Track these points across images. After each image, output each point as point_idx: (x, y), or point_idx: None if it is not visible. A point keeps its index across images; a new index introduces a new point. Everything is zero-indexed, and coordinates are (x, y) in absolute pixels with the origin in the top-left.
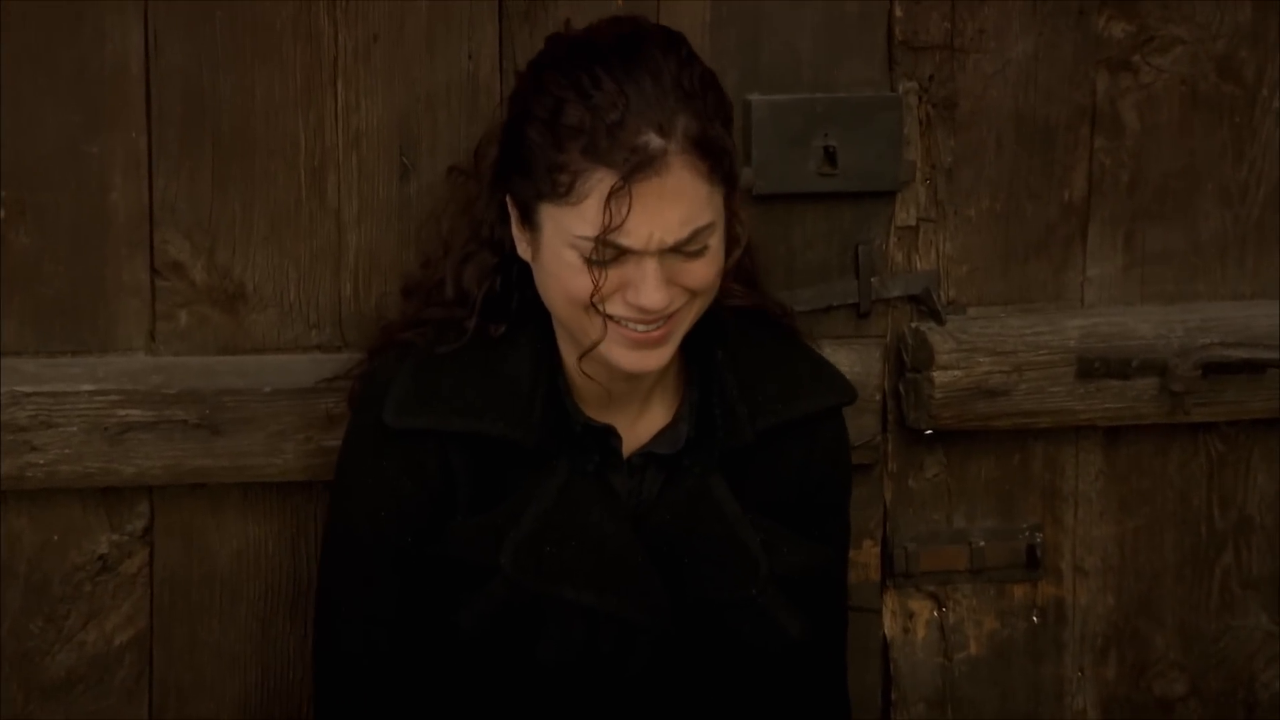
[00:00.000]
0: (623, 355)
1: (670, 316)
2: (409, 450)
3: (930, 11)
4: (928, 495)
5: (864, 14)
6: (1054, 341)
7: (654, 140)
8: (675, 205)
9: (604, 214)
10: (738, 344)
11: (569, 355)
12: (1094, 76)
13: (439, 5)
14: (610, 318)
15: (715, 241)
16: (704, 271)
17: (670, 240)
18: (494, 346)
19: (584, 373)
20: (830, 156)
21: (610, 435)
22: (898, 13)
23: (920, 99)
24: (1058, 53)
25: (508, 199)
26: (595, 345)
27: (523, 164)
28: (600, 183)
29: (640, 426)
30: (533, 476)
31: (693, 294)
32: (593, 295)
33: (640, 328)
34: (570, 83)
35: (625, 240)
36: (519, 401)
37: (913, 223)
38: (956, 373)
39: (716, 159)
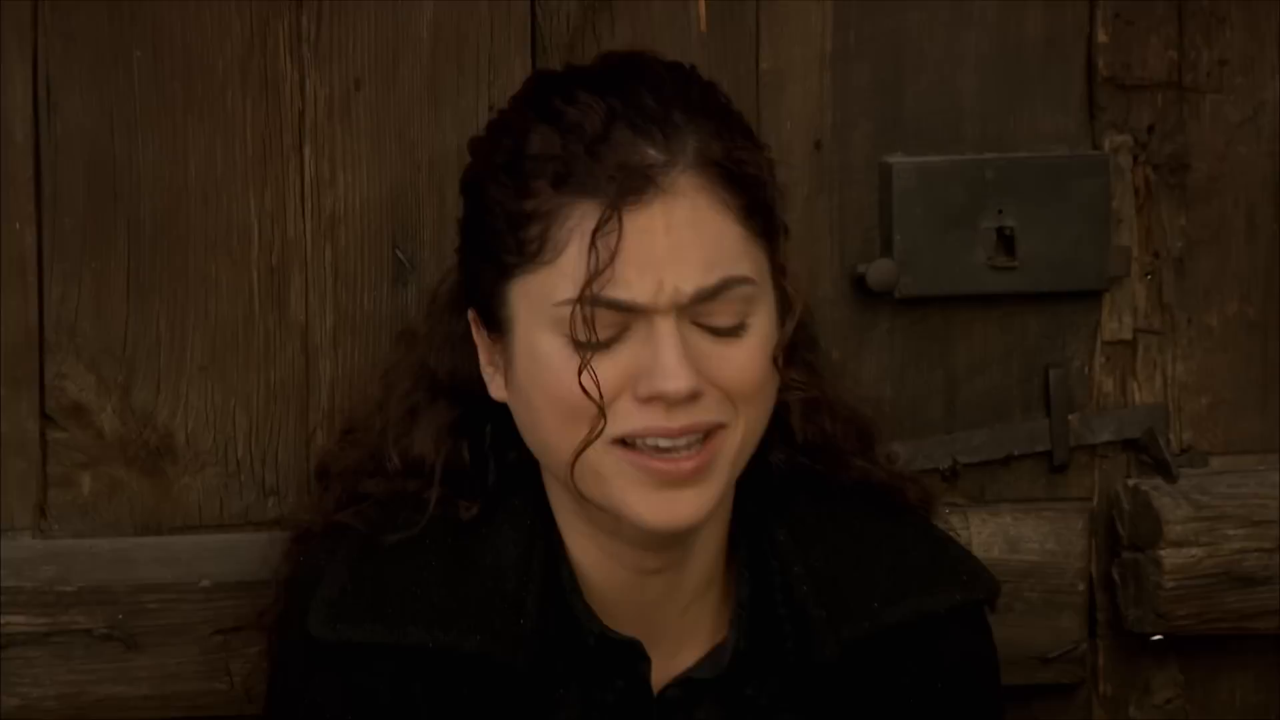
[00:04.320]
0: (643, 501)
1: (707, 437)
2: (350, 675)
3: (1148, 35)
4: None
5: (1052, 40)
6: None
7: (651, 154)
8: (692, 240)
9: (588, 258)
10: (808, 519)
11: (575, 535)
12: None
13: (447, 36)
14: (622, 443)
15: (761, 321)
16: (745, 361)
17: (689, 289)
18: (466, 528)
19: (603, 553)
20: (1006, 242)
21: (637, 655)
22: (1101, 37)
23: (1136, 159)
24: None
25: (470, 315)
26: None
27: (483, 240)
28: (582, 220)
29: (684, 652)
30: (527, 713)
31: (732, 402)
32: (583, 378)
33: (664, 443)
34: (537, 109)
35: (623, 294)
36: (503, 602)
37: (1128, 336)
38: (1196, 551)
39: (749, 190)
